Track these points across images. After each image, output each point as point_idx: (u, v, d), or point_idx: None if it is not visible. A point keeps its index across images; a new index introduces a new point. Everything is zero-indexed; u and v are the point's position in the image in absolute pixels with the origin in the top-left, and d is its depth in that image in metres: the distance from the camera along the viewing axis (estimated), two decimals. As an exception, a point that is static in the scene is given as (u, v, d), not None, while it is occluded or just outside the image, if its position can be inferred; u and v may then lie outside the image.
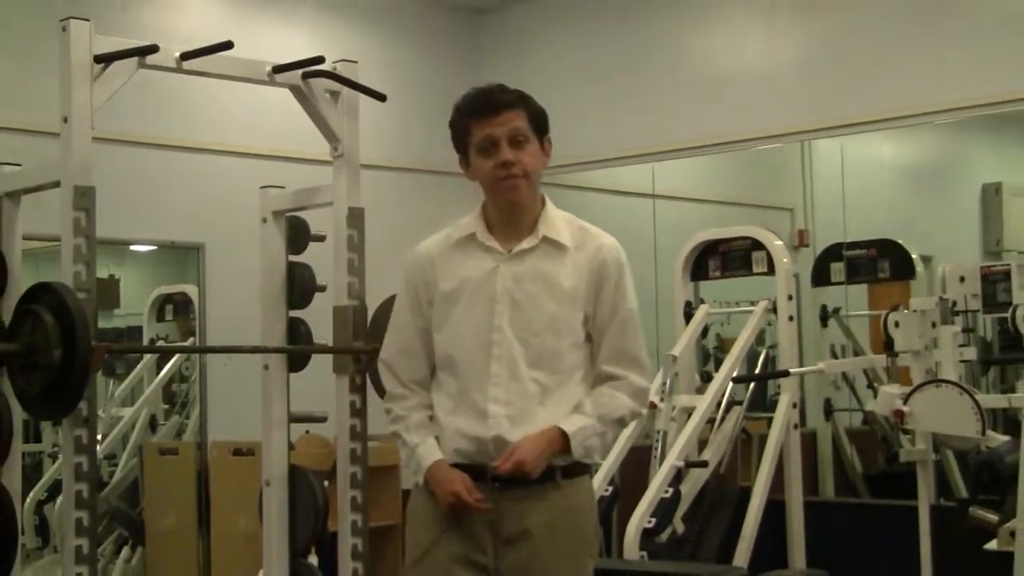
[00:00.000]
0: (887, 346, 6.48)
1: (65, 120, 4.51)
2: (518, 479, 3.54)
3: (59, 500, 6.22)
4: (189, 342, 8.21)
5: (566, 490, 3.64)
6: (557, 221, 3.72)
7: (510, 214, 3.70)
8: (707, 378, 7.23)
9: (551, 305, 3.63)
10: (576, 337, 3.67)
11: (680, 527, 6.47)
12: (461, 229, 3.76)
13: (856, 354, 8.14)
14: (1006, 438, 5.77)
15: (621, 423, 3.77)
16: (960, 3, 7.46)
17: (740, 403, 6.96)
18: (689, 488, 6.57)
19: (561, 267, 3.66)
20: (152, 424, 8.34)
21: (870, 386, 7.78)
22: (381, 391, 4.10)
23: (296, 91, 5.10)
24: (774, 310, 6.94)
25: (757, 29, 8.43)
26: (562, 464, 3.62)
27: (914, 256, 7.94)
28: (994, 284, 6.61)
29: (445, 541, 3.61)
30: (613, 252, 3.73)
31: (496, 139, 3.63)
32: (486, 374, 3.60)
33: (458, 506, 3.57)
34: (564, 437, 3.58)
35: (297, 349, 5.33)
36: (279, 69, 5.05)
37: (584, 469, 3.71)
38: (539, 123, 3.73)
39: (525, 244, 3.67)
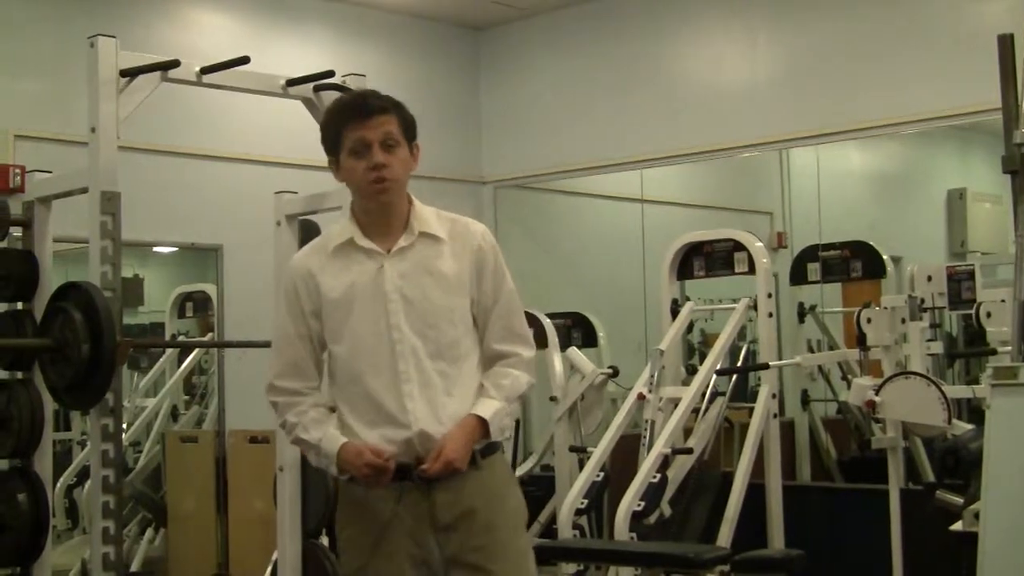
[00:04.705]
0: (860, 341, 6.47)
1: (93, 130, 4.53)
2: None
3: (87, 485, 6.22)
4: (208, 337, 8.22)
5: (487, 470, 3.56)
6: (427, 216, 3.63)
7: (382, 215, 3.59)
8: (692, 371, 7.23)
9: (440, 296, 3.54)
10: (467, 323, 3.59)
11: (667, 510, 6.47)
12: (335, 237, 3.63)
13: (831, 348, 8.13)
14: (970, 426, 5.76)
15: (521, 398, 3.68)
16: (927, 24, 7.48)
17: (723, 394, 6.95)
18: (675, 473, 6.57)
19: (441, 258, 3.57)
20: (174, 414, 8.34)
21: (844, 378, 7.76)
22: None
23: (308, 103, 5.12)
24: (755, 307, 6.93)
25: (739, 46, 8.44)
26: (479, 447, 3.53)
27: (884, 257, 7.92)
28: (959, 283, 6.59)
29: (387, 541, 3.50)
30: (487, 238, 3.65)
31: (369, 142, 3.50)
32: (395, 373, 3.49)
33: (373, 475, 3.45)
34: (483, 423, 3.51)
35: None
36: (292, 82, 5.07)
37: (498, 447, 3.64)
38: (409, 130, 3.60)
39: (403, 241, 3.57)
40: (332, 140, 3.61)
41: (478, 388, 3.59)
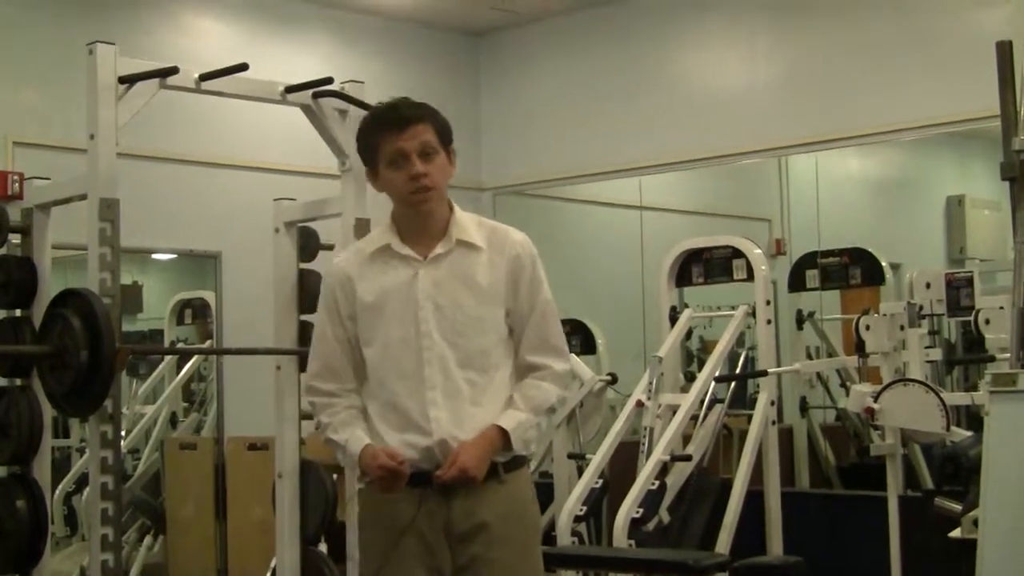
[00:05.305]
0: (858, 347, 6.48)
1: (92, 137, 4.53)
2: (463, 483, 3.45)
3: (86, 492, 6.22)
4: (207, 344, 8.22)
5: (510, 484, 3.54)
6: (467, 223, 3.61)
7: (422, 223, 3.58)
8: (691, 378, 7.22)
9: (473, 305, 3.53)
10: (500, 333, 3.57)
11: (666, 517, 6.47)
12: (373, 241, 3.65)
13: (830, 355, 8.13)
14: (969, 433, 5.76)
15: (551, 411, 3.64)
16: (926, 31, 7.48)
17: (722, 401, 6.95)
18: (674, 480, 6.57)
19: (478, 267, 3.56)
20: (172, 421, 8.33)
21: (843, 385, 7.76)
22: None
23: (307, 110, 5.12)
24: (753, 314, 6.93)
25: (738, 53, 8.45)
26: (503, 460, 3.52)
27: (883, 263, 7.92)
28: (957, 290, 6.59)
29: (402, 547, 3.49)
30: (525, 246, 3.63)
31: (407, 153, 3.50)
32: (421, 380, 3.49)
33: (387, 478, 3.44)
34: (503, 434, 3.48)
35: (307, 350, 5.33)
36: (291, 89, 5.07)
37: (523, 461, 3.61)
38: (445, 136, 3.59)
39: (440, 249, 3.56)
40: (368, 151, 3.61)
41: (508, 399, 3.57)
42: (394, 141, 3.52)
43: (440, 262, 3.56)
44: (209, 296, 8.15)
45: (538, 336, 3.62)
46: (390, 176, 3.55)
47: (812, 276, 8.06)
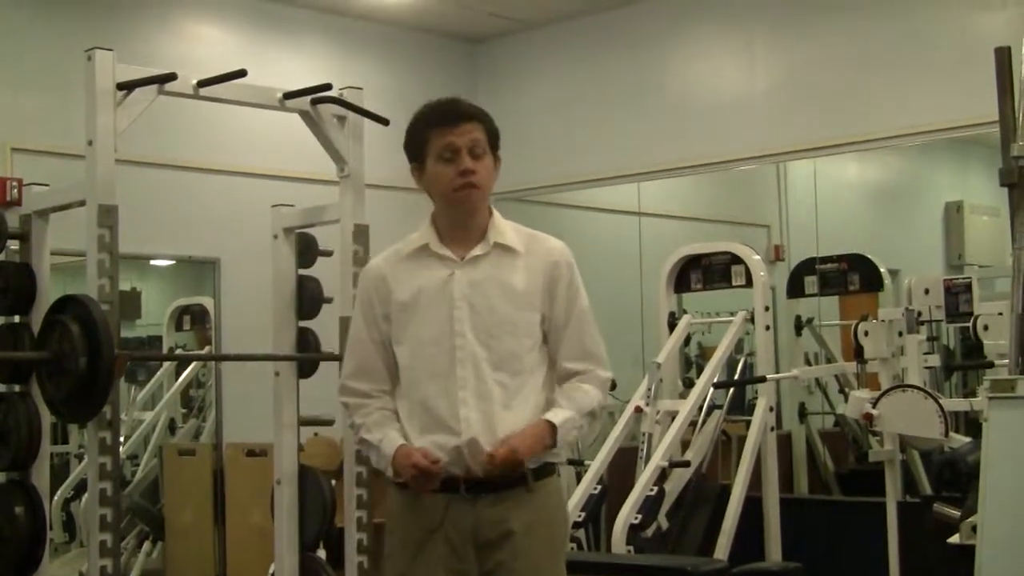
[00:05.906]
0: (857, 353, 6.48)
1: (90, 143, 4.53)
2: (489, 486, 3.44)
3: (85, 498, 6.21)
4: (205, 350, 8.21)
5: (538, 492, 3.52)
6: (506, 228, 3.63)
7: (462, 223, 3.59)
8: (689, 384, 7.23)
9: (508, 308, 3.53)
10: (535, 338, 3.56)
11: (664, 523, 6.47)
12: (412, 242, 3.63)
13: (828, 361, 8.15)
14: (967, 439, 5.77)
15: (592, 415, 3.61)
16: (925, 37, 7.47)
17: (720, 407, 6.96)
18: (673, 486, 6.58)
19: (514, 271, 3.57)
20: (171, 427, 8.32)
21: (841, 391, 7.77)
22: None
23: (305, 116, 5.12)
24: (752, 320, 6.94)
25: (737, 59, 8.44)
26: (533, 467, 3.50)
27: (882, 270, 7.94)
28: (956, 296, 6.59)
29: (428, 550, 3.49)
30: (563, 254, 3.65)
31: (458, 148, 3.51)
32: (452, 378, 3.47)
33: (420, 476, 3.42)
34: (552, 428, 3.47)
35: (306, 357, 5.34)
36: (289, 95, 5.07)
37: (552, 470, 3.60)
38: (493, 140, 3.61)
39: (478, 250, 3.56)
40: (417, 146, 3.61)
41: (541, 405, 3.54)
42: (445, 135, 3.53)
43: (477, 263, 3.57)
44: (208, 302, 8.14)
45: (577, 344, 3.61)
46: (438, 171, 3.55)
47: (811, 282, 8.07)
